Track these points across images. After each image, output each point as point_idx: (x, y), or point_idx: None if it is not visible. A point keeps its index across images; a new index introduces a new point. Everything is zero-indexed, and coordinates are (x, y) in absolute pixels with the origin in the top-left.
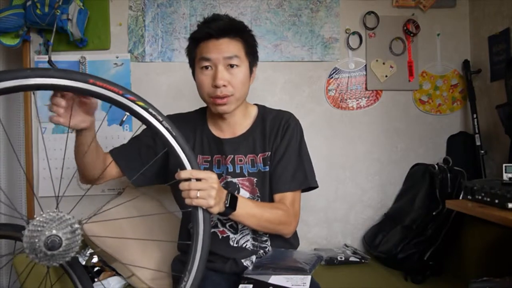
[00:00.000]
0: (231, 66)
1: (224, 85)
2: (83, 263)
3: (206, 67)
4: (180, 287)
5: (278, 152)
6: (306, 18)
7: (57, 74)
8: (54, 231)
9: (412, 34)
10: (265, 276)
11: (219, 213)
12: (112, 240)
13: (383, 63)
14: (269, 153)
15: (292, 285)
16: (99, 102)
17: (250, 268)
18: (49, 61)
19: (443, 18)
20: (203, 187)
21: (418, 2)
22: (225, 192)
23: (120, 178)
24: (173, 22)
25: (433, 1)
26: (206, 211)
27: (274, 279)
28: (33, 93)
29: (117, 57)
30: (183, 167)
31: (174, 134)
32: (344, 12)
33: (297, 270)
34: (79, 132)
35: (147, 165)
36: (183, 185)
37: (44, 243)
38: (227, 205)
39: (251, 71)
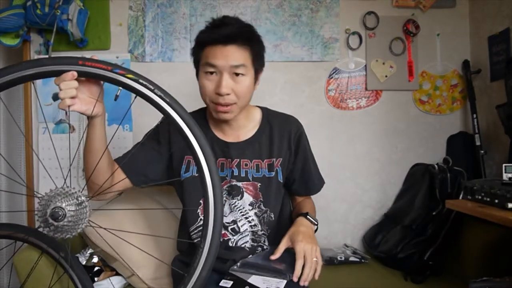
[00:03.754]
0: (237, 74)
1: (228, 94)
2: (83, 263)
3: (211, 73)
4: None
5: (298, 160)
6: (306, 18)
7: (49, 61)
8: (58, 203)
9: (412, 34)
10: (246, 275)
11: None
12: (112, 239)
13: (383, 63)
14: (279, 159)
15: (266, 287)
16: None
17: (238, 264)
18: None
19: (443, 18)
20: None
21: (418, 2)
22: (313, 232)
23: (130, 188)
24: (173, 22)
25: (433, 1)
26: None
27: (252, 279)
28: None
29: (117, 57)
30: (182, 133)
31: (168, 100)
32: (344, 12)
33: (278, 273)
34: (90, 121)
35: (128, 154)
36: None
37: (50, 214)
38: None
39: (256, 78)
